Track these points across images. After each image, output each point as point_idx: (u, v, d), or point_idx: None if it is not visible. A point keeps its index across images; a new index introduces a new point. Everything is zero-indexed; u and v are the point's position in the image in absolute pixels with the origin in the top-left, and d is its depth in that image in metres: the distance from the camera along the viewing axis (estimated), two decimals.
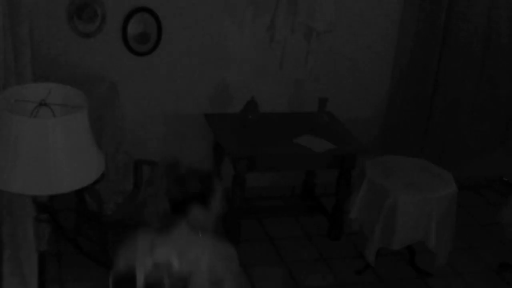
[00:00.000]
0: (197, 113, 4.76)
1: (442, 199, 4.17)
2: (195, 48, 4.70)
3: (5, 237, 3.39)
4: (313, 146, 4.50)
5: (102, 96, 4.41)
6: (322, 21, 4.66)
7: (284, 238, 4.81)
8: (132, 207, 4.17)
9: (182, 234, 2.34)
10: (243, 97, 4.70)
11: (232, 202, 4.57)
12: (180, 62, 4.69)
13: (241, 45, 4.79)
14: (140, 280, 2.27)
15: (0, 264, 3.41)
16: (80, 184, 2.57)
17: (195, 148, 4.94)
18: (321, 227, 4.93)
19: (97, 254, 4.14)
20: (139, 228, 2.35)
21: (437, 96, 5.21)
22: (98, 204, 4.03)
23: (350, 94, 5.15)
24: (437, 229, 4.15)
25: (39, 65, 3.91)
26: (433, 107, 5.24)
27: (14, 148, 2.45)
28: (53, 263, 4.09)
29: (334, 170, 4.71)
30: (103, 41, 4.47)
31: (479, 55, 5.15)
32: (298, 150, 4.50)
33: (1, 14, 2.98)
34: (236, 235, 4.64)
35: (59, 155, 2.47)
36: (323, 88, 5.00)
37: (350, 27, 4.95)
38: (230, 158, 4.52)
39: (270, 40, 4.73)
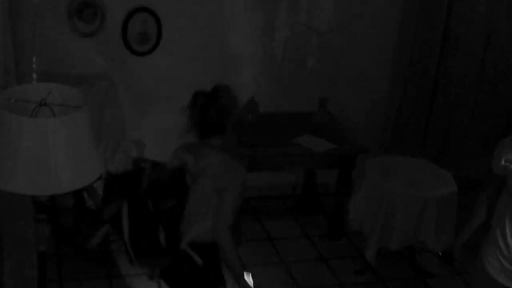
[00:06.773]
0: None
1: (442, 199, 4.17)
2: (195, 48, 4.70)
3: (5, 237, 3.39)
4: (313, 146, 4.50)
5: (102, 96, 4.42)
6: (322, 21, 4.66)
7: (284, 238, 4.81)
8: None
9: (205, 147, 3.15)
10: (243, 97, 4.69)
11: None
12: (180, 62, 4.68)
13: (241, 45, 4.79)
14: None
15: (0, 264, 3.42)
16: (80, 184, 2.56)
17: None
18: (321, 227, 4.93)
19: (97, 253, 4.14)
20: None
21: (437, 96, 5.21)
22: (97, 203, 4.02)
23: (350, 94, 5.15)
24: (437, 229, 4.15)
25: (39, 65, 3.91)
26: (433, 107, 5.23)
27: (14, 148, 2.44)
28: (53, 263, 4.08)
29: (334, 170, 4.71)
30: (103, 41, 4.47)
31: (479, 55, 5.15)
32: (298, 150, 4.50)
33: (1, 14, 2.98)
34: (236, 235, 4.63)
35: (59, 155, 2.46)
36: (323, 88, 5.00)
37: (350, 27, 4.94)
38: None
39: (270, 40, 4.73)
